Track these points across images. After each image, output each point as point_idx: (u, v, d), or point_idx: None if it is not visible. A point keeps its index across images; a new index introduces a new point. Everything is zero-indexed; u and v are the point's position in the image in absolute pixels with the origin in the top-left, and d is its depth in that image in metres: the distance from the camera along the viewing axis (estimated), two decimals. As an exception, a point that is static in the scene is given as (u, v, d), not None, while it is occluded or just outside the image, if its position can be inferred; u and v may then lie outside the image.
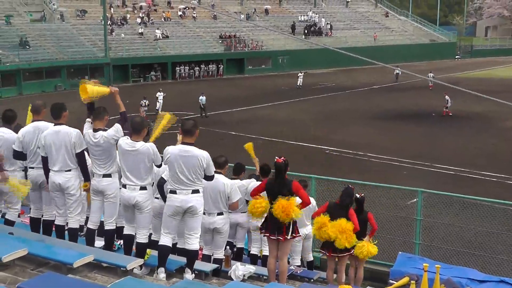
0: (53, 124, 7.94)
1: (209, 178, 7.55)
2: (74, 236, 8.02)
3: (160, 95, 36.51)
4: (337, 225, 9.09)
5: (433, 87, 45.89)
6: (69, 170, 7.84)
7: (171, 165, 7.36)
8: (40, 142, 7.86)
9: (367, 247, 9.86)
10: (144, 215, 7.65)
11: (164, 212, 7.53)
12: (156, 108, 35.92)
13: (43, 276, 6.44)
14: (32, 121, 8.25)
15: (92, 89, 7.69)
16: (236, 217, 9.53)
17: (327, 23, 74.31)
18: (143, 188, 7.54)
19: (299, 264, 10.59)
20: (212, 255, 8.75)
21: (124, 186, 7.54)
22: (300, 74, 51.00)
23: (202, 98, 35.44)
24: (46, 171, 7.91)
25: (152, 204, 7.86)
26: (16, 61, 46.53)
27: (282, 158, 8.09)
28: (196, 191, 7.38)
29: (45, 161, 7.89)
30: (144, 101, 34.70)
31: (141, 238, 7.73)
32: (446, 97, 35.24)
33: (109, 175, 7.73)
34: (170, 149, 7.44)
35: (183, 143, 7.45)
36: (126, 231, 7.83)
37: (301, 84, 50.18)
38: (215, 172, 8.02)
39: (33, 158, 8.13)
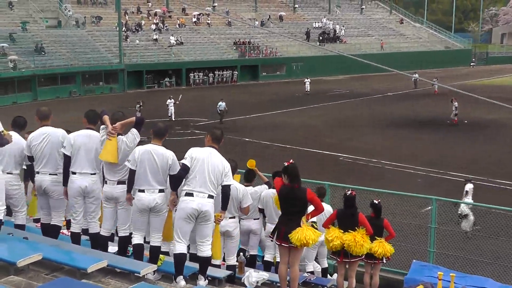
0: (86, 127, 8.04)
1: (225, 187, 7.55)
2: (97, 241, 8.06)
3: (170, 103, 36.53)
4: (350, 237, 9.05)
5: (437, 92, 45.73)
6: (94, 174, 7.93)
7: (196, 166, 7.36)
8: (68, 142, 7.90)
9: (384, 245, 9.80)
10: (161, 218, 7.67)
11: (178, 216, 7.45)
12: (168, 115, 36.01)
13: (58, 280, 6.48)
14: (40, 126, 8.27)
15: (111, 154, 7.63)
16: (249, 224, 9.53)
17: (341, 30, 74.26)
18: (161, 191, 7.59)
19: (312, 270, 10.54)
20: (224, 263, 8.75)
21: (142, 190, 7.52)
22: (306, 80, 51.04)
23: (221, 104, 35.43)
24: (66, 172, 7.94)
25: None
26: (31, 67, 46.90)
27: (291, 160, 8.07)
28: (211, 197, 7.40)
29: (68, 160, 7.91)
30: (138, 105, 34.84)
31: (156, 241, 7.72)
32: (455, 103, 34.94)
33: (123, 182, 7.74)
34: (195, 150, 7.51)
35: (209, 146, 7.57)
36: (136, 240, 7.74)
37: (308, 90, 50.14)
38: None
39: (38, 163, 8.16)
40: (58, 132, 8.21)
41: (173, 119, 35.55)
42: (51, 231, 8.38)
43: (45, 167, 8.13)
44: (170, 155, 7.56)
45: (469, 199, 16.80)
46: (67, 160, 7.92)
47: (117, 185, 7.75)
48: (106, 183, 7.83)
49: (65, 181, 7.98)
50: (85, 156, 7.81)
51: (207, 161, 7.34)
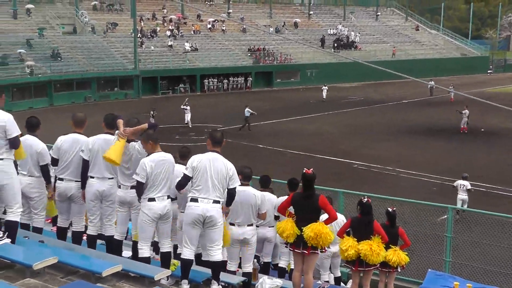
0: (105, 132, 8.08)
1: (231, 189, 7.58)
2: (112, 244, 8.09)
3: (186, 109, 36.44)
4: (366, 247, 8.99)
5: (453, 100, 45.54)
6: (112, 178, 7.99)
7: (198, 173, 7.39)
8: (86, 146, 7.96)
9: (398, 254, 9.73)
10: (169, 224, 7.77)
11: (184, 222, 7.53)
12: (185, 122, 36.03)
13: (73, 284, 6.53)
14: (73, 133, 8.31)
15: (115, 154, 7.61)
16: (264, 231, 9.51)
17: (356, 36, 74.19)
18: (169, 197, 7.71)
19: (327, 279, 10.48)
20: (239, 269, 8.74)
21: (153, 199, 7.49)
22: (324, 87, 51.01)
23: (247, 110, 35.29)
24: (85, 176, 8.01)
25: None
26: (48, 72, 47.31)
27: (311, 169, 8.06)
28: (216, 202, 7.41)
29: (86, 165, 7.97)
30: (152, 112, 34.91)
31: (166, 248, 7.76)
32: (467, 111, 34.58)
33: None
34: (198, 157, 7.53)
35: (211, 151, 7.56)
36: (146, 253, 7.73)
37: (325, 97, 50.13)
38: (243, 184, 8.30)
39: (64, 169, 8.22)
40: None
41: (190, 126, 35.52)
42: (73, 237, 8.47)
43: (71, 175, 8.21)
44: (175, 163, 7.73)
45: (462, 195, 18.70)
46: (85, 164, 7.98)
47: (130, 189, 7.79)
48: (119, 187, 7.89)
49: (83, 185, 8.08)
50: (103, 161, 7.83)
51: (209, 167, 7.37)
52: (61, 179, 8.25)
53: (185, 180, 7.46)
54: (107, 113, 8.33)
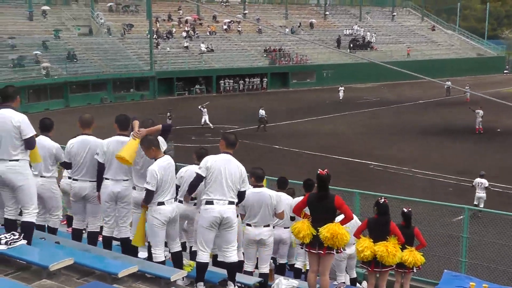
0: (116, 134, 8.08)
1: (241, 193, 7.59)
2: (128, 245, 8.11)
3: (204, 111, 36.53)
4: (382, 248, 8.96)
5: (469, 100, 45.29)
6: (127, 180, 8.00)
7: (213, 175, 7.40)
8: (101, 149, 7.98)
9: (414, 254, 9.70)
10: (177, 226, 7.85)
11: (200, 225, 7.52)
12: (201, 123, 36.10)
13: (89, 285, 6.56)
14: (82, 134, 8.34)
15: (128, 153, 7.60)
16: (279, 233, 9.51)
17: (372, 37, 73.93)
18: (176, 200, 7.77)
19: (344, 281, 10.46)
20: (255, 270, 8.75)
21: (162, 203, 7.49)
22: (340, 88, 50.91)
23: (261, 112, 35.35)
24: (100, 178, 8.04)
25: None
26: (63, 74, 47.58)
27: (326, 170, 8.05)
28: (231, 203, 7.43)
29: (102, 168, 8.00)
30: (168, 113, 35.02)
31: (177, 247, 7.78)
32: (481, 111, 34.37)
33: None
34: (211, 158, 7.55)
35: (224, 152, 7.56)
36: (160, 257, 7.72)
37: (341, 98, 50.03)
38: (258, 186, 8.44)
39: (77, 171, 8.26)
40: (97, 142, 8.23)
41: (212, 127, 35.46)
42: (89, 237, 8.51)
43: (85, 176, 8.24)
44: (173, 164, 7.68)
45: (479, 193, 19.40)
46: (101, 167, 8.00)
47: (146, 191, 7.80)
48: (134, 189, 7.89)
49: (99, 187, 8.10)
50: (118, 163, 7.84)
51: (224, 169, 7.38)
52: (76, 179, 8.30)
53: (197, 180, 7.47)
54: (119, 114, 8.31)
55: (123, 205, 8.08)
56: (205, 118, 36.25)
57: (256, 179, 8.65)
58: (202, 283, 7.45)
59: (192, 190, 7.66)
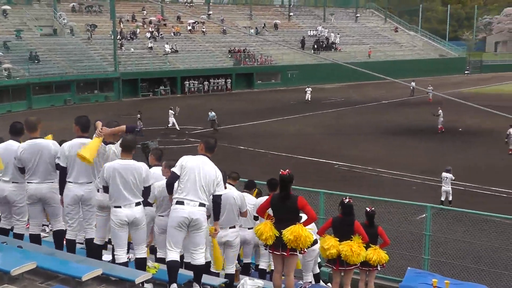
0: (77, 136, 7.96)
1: (217, 197, 7.56)
2: (92, 246, 8.03)
3: (171, 114, 36.52)
4: (347, 248, 9.05)
5: (431, 100, 46.04)
6: (90, 183, 7.89)
7: (187, 174, 7.37)
8: (63, 153, 7.84)
9: (378, 252, 9.82)
10: (143, 232, 7.71)
11: (169, 225, 7.45)
12: (169, 125, 36.03)
13: (52, 289, 6.47)
14: (30, 138, 8.12)
15: (90, 152, 7.54)
16: (243, 234, 9.50)
17: (336, 38, 74.47)
18: (138, 204, 7.57)
19: (311, 280, 10.52)
20: (224, 270, 8.76)
21: (119, 206, 7.45)
22: (307, 88, 51.26)
23: (211, 114, 35.42)
24: (63, 182, 7.90)
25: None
26: (26, 75, 46.87)
27: (287, 170, 8.07)
28: (202, 205, 7.39)
29: (64, 171, 7.87)
30: (139, 115, 35.05)
31: (140, 254, 7.68)
32: (440, 111, 35.07)
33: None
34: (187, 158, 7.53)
35: (202, 155, 7.57)
36: (122, 259, 7.69)
37: (309, 99, 50.36)
38: (229, 183, 8.66)
39: (32, 175, 8.05)
40: (49, 143, 8.14)
41: (178, 128, 35.51)
42: (54, 236, 8.40)
43: (40, 177, 8.05)
44: (143, 167, 7.58)
45: (445, 187, 20.29)
46: (63, 171, 7.87)
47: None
48: (98, 191, 7.80)
49: (61, 191, 7.96)
50: (81, 166, 7.76)
51: (199, 169, 7.35)
52: (30, 182, 8.09)
53: (172, 178, 7.41)
54: (80, 116, 8.16)
55: (87, 208, 7.98)
56: (173, 120, 36.17)
57: (231, 180, 8.95)
58: (175, 285, 7.32)
59: (170, 190, 7.52)
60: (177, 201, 7.35)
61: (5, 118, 35.27)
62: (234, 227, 8.74)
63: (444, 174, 20.39)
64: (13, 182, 8.18)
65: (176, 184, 7.44)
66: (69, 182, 7.87)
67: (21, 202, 8.29)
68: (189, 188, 7.30)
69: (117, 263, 7.54)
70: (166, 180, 7.69)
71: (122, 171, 7.38)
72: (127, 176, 7.38)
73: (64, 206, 8.03)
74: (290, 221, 7.86)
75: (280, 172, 8.02)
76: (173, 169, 7.47)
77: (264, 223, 8.04)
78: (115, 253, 7.60)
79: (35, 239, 8.32)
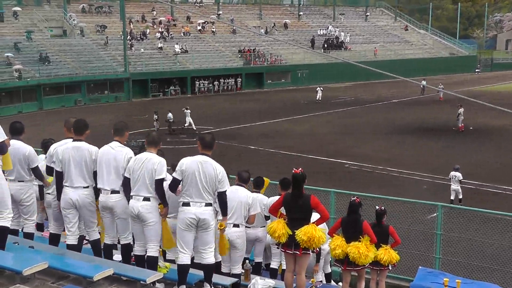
0: (72, 139, 7.90)
1: (220, 194, 7.50)
2: (98, 247, 8.05)
3: (187, 113, 36.54)
4: (354, 250, 9.03)
5: (442, 99, 45.81)
6: (87, 187, 7.80)
7: (188, 177, 7.35)
8: (57, 157, 7.80)
9: (389, 252, 9.79)
10: (153, 227, 7.60)
11: (178, 226, 7.45)
12: (185, 124, 36.09)
13: (64, 289, 6.49)
14: (69, 138, 8.10)
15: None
16: (255, 232, 9.50)
17: (346, 37, 74.35)
18: (146, 199, 7.53)
19: (321, 279, 10.50)
20: (230, 271, 8.75)
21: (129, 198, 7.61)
22: (318, 88, 51.22)
23: (168, 115, 35.27)
24: (60, 186, 7.84)
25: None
26: (36, 76, 47.10)
27: (300, 169, 8.04)
28: (209, 205, 7.39)
29: (60, 176, 7.81)
30: (155, 116, 35.10)
31: (152, 251, 7.64)
32: (461, 109, 34.81)
33: (117, 191, 7.69)
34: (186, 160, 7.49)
35: (201, 154, 7.50)
36: (138, 252, 7.79)
37: (320, 98, 50.33)
38: (238, 184, 8.70)
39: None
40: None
41: (194, 128, 35.43)
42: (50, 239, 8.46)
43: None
44: (160, 160, 7.56)
45: (454, 186, 20.16)
46: (59, 175, 7.82)
47: (111, 194, 7.66)
48: (101, 192, 7.75)
49: (59, 196, 7.90)
50: (75, 170, 7.70)
51: (199, 171, 7.30)
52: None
53: (174, 183, 7.44)
54: (76, 119, 8.10)
55: (84, 212, 7.88)
56: (189, 120, 36.19)
57: (240, 180, 8.93)
58: (184, 286, 7.37)
59: (174, 191, 7.55)
60: (183, 203, 7.37)
61: (16, 119, 35.41)
62: (238, 226, 8.71)
63: (452, 173, 20.27)
64: (19, 181, 8.18)
65: (180, 186, 7.47)
66: (65, 186, 7.79)
67: (28, 201, 8.32)
68: (192, 190, 7.31)
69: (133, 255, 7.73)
70: (168, 185, 7.65)
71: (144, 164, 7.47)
72: (145, 168, 7.47)
73: (61, 211, 7.97)
74: (302, 220, 7.84)
75: (293, 171, 8.00)
76: (173, 175, 7.48)
77: (277, 221, 8.01)
78: (136, 245, 7.80)
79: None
